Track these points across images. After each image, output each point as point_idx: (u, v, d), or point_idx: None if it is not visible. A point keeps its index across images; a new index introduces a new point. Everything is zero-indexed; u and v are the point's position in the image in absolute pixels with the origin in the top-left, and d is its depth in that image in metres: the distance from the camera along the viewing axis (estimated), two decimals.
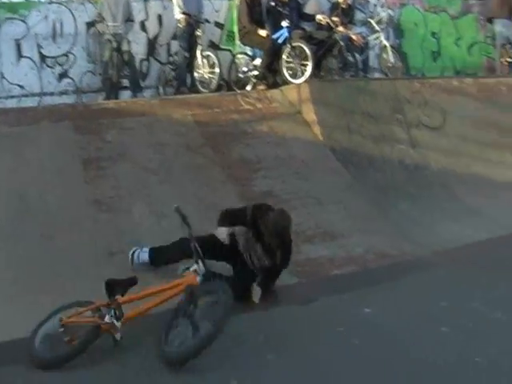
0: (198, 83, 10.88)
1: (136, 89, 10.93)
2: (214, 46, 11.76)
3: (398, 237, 7.62)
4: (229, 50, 12.04)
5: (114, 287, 5.27)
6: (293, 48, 9.99)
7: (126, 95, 10.81)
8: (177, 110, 8.78)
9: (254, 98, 9.42)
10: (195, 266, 5.22)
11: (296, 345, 4.84)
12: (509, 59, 15.18)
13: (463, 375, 4.28)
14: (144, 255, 6.34)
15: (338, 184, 6.83)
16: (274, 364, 4.50)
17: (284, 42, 10.07)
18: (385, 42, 12.20)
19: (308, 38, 10.41)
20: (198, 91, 10.68)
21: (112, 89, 10.59)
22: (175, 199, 7.29)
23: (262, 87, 10.21)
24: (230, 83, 11.07)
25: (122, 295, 5.26)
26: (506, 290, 6.07)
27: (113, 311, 5.07)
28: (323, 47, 10.50)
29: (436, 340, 4.94)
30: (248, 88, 10.62)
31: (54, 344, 4.97)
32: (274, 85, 10.21)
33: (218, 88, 10.70)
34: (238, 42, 11.55)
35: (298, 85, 9.68)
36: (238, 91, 10.43)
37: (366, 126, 9.51)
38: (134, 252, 6.37)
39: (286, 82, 9.99)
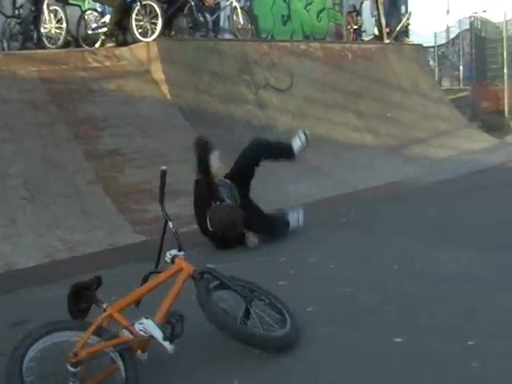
0: (44, 38, 10.57)
1: None
2: (62, 1, 11.35)
3: None
4: (78, 6, 11.70)
5: (81, 294, 3.82)
6: (143, 6, 9.85)
7: None
8: (21, 65, 8.47)
9: (102, 56, 9.25)
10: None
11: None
12: (355, 26, 15.90)
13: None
14: None
15: (186, 143, 6.89)
16: None
17: (134, 0, 9.94)
18: (235, 4, 12.31)
19: None
20: (44, 47, 10.37)
21: None
22: (18, 158, 7.15)
23: (110, 45, 10.04)
24: (78, 40, 10.79)
25: (90, 304, 3.82)
26: (339, 243, 6.50)
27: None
28: (174, 6, 10.43)
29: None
30: (97, 45, 10.40)
31: None
32: (124, 43, 10.04)
33: (66, 44, 10.45)
34: None
35: (148, 43, 9.58)
36: (87, 48, 10.22)
37: (215, 85, 9.64)
38: None
39: (136, 40, 9.85)
